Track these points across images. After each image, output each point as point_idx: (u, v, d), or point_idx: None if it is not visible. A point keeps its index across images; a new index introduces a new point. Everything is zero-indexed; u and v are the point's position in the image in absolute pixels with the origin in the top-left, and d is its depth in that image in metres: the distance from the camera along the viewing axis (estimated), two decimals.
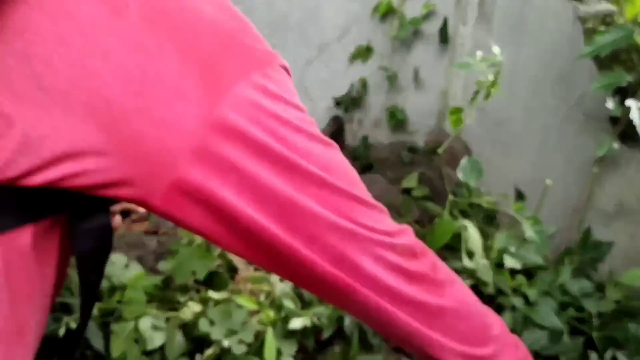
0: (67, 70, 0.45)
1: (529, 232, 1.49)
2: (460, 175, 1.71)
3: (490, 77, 1.55)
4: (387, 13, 2.61)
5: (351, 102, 2.77)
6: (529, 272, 1.69)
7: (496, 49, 1.57)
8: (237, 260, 1.80)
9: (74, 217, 0.53)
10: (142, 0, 0.47)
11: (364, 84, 2.76)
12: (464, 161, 1.75)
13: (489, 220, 1.96)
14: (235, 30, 0.52)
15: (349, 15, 2.62)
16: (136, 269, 1.78)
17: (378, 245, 0.56)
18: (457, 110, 1.68)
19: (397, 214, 2.64)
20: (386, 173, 2.89)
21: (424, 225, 2.60)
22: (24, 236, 0.49)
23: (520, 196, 2.54)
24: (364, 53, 2.72)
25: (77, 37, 0.45)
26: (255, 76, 0.50)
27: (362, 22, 2.65)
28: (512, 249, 1.62)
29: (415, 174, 2.80)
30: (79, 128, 0.46)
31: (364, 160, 2.88)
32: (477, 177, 1.70)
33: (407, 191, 2.78)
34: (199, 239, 1.70)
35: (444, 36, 2.71)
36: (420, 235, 0.62)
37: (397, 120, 2.81)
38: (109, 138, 0.47)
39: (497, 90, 1.57)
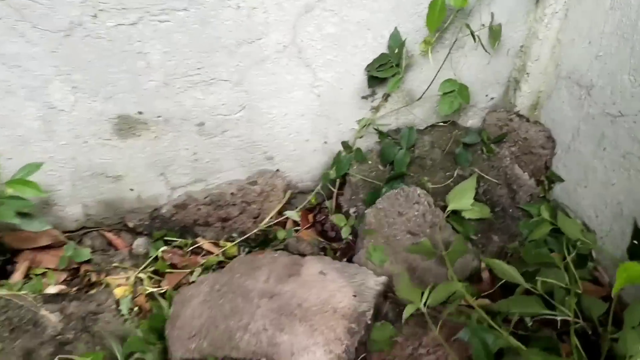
0: None
1: None
2: None
3: None
4: None
5: (382, 69, 1.71)
6: None
7: None
8: None
9: None
10: None
11: (400, 43, 1.68)
12: None
13: None
14: None
15: None
16: None
17: None
18: None
19: (438, 262, 1.67)
20: (424, 180, 1.88)
21: (484, 288, 1.65)
22: None
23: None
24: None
25: None
26: None
27: None
28: None
29: (470, 185, 1.79)
30: None
31: (398, 168, 1.85)
32: None
33: (455, 213, 1.80)
34: None
35: None
36: None
37: (458, 100, 1.74)
38: None
39: None
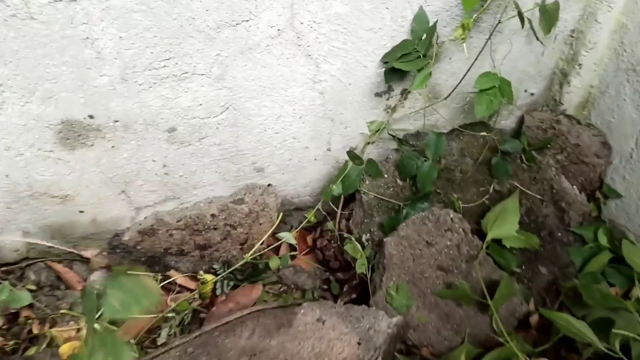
0: None
1: None
2: None
3: None
4: None
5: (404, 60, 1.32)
6: None
7: None
8: None
9: None
10: None
11: (429, 27, 1.30)
12: None
13: None
14: None
15: None
16: None
17: None
18: None
19: (478, 308, 1.31)
20: (454, 197, 1.51)
21: (533, 337, 1.29)
22: None
23: None
24: None
25: None
26: None
27: None
28: None
29: (513, 207, 1.43)
30: None
31: (424, 185, 1.46)
32: None
33: (496, 242, 1.43)
34: None
35: None
36: None
37: (499, 98, 1.34)
38: None
39: None
